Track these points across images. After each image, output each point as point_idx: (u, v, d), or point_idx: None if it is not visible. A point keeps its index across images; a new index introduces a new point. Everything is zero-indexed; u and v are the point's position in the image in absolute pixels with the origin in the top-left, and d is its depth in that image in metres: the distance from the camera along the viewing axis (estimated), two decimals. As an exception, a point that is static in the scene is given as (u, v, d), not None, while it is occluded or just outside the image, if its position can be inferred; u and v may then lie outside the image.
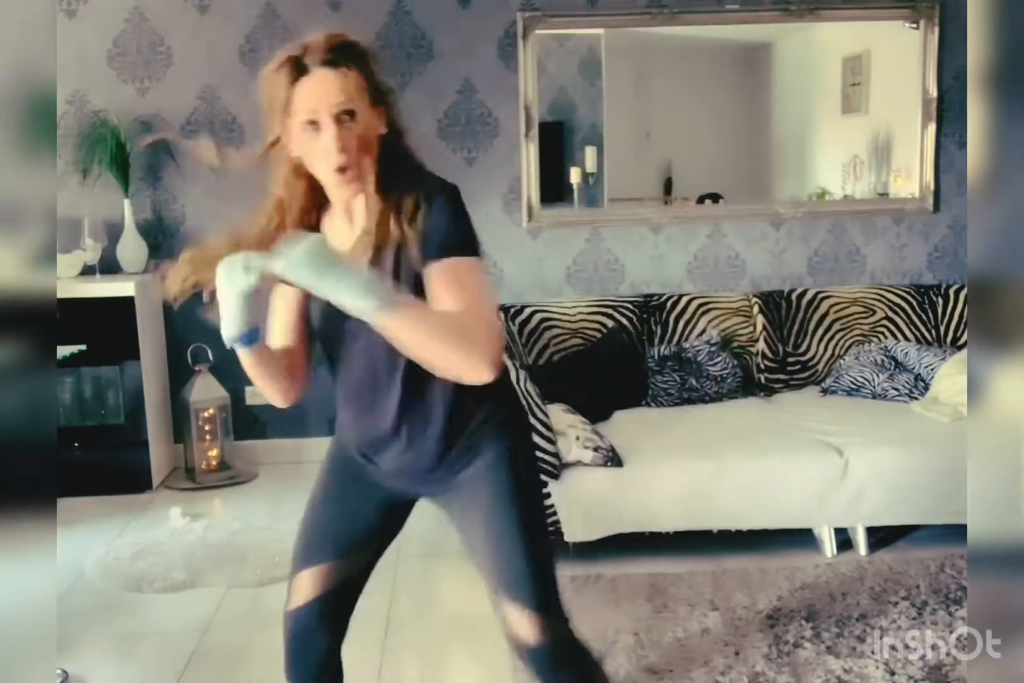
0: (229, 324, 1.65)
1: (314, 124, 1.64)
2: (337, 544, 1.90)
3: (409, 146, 1.76)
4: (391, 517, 1.95)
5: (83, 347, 3.17)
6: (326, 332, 1.81)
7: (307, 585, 1.89)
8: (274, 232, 1.72)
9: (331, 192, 1.73)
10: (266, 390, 1.81)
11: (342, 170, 1.65)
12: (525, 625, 1.77)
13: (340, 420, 1.93)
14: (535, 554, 1.79)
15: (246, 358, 1.73)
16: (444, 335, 1.56)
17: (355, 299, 1.52)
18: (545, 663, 1.81)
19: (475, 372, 1.57)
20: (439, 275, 1.62)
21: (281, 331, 1.85)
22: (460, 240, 1.65)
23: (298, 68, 1.64)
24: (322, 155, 1.65)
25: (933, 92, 4.56)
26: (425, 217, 1.64)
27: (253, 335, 1.69)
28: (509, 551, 1.77)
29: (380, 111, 1.70)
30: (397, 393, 1.75)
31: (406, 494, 1.94)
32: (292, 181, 1.74)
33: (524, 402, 2.48)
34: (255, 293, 1.62)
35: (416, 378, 1.72)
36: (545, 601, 1.79)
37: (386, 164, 1.70)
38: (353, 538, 1.92)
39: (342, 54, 1.66)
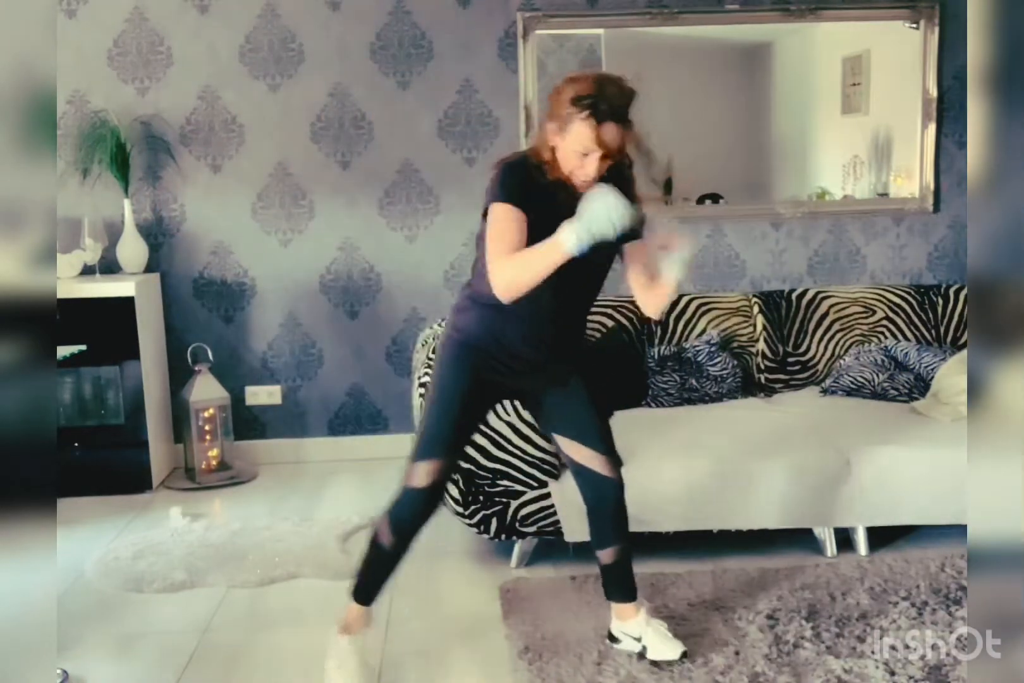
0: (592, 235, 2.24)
1: (585, 155, 2.36)
2: (453, 444, 2.58)
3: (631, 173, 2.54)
4: (490, 412, 2.80)
5: (83, 347, 3.17)
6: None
7: (423, 474, 2.52)
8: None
9: (577, 179, 2.41)
10: (531, 284, 2.35)
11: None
12: (608, 466, 2.69)
13: (505, 332, 2.51)
14: (607, 425, 2.71)
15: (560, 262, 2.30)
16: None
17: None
18: (618, 492, 2.73)
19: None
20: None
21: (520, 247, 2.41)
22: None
23: (597, 117, 2.33)
24: (583, 173, 2.38)
25: (933, 92, 4.57)
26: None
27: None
28: (597, 421, 2.69)
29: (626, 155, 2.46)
30: (577, 310, 2.61)
31: (520, 390, 2.69)
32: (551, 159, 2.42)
33: None
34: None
35: (579, 303, 2.60)
36: (616, 451, 2.72)
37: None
38: (464, 439, 2.66)
39: (625, 115, 2.39)
